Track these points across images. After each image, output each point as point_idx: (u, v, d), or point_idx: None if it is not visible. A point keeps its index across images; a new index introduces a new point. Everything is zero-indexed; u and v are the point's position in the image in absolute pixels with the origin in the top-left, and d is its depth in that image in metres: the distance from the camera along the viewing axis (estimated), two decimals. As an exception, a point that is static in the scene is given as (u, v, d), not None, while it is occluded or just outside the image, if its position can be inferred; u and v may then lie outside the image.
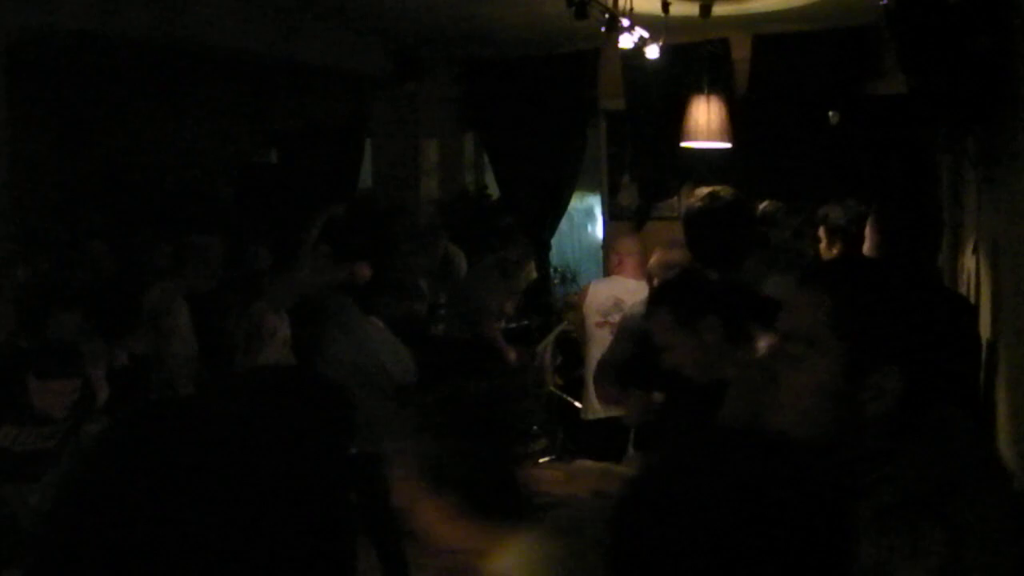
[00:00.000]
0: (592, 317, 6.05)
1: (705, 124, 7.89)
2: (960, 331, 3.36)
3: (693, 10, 6.98)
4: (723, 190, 3.94)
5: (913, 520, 1.46)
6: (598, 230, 10.82)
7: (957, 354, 3.25)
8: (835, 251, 5.11)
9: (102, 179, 9.34)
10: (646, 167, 8.90)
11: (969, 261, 5.10)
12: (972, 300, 4.87)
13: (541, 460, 4.53)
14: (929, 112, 4.34)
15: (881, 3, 3.89)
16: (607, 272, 6.97)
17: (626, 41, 6.01)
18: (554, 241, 9.58)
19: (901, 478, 1.51)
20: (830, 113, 8.12)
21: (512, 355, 7.45)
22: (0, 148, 5.45)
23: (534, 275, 8.38)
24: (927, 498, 1.48)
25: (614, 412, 4.75)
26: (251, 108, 10.12)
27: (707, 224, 3.84)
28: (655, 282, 5.46)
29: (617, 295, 6.06)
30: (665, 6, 5.87)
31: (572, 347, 7.30)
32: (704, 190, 4.00)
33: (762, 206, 6.67)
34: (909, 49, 3.86)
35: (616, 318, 6.03)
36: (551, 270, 9.85)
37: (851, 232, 4.82)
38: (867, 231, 4.50)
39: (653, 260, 5.48)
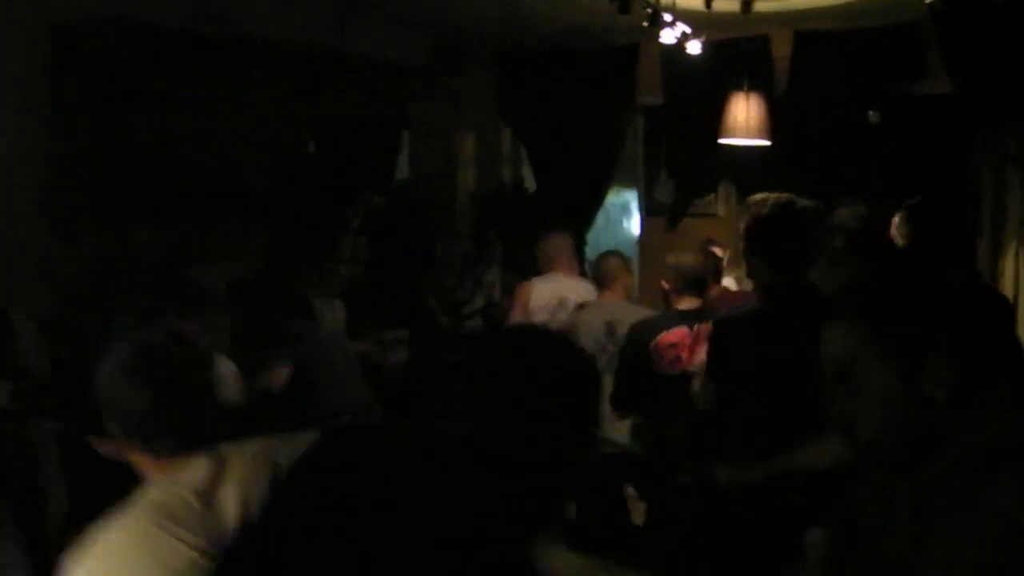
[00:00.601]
0: (539, 315, 6.05)
1: (744, 121, 7.86)
2: (1003, 329, 3.35)
3: (734, 6, 6.93)
4: (787, 196, 3.96)
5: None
6: (634, 225, 10.81)
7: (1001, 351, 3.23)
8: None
9: (141, 166, 9.41)
10: (683, 163, 8.89)
11: (1010, 263, 5.07)
12: (1013, 302, 4.83)
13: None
14: (972, 113, 4.33)
15: (926, 2, 3.86)
16: (541, 270, 6.85)
17: (668, 36, 5.99)
18: (589, 236, 9.57)
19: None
20: (870, 112, 8.08)
21: None
22: (42, 134, 5.50)
23: None
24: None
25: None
26: (289, 98, 10.16)
27: (785, 229, 3.84)
28: (668, 286, 5.41)
29: (560, 293, 6.07)
30: (708, 1, 5.84)
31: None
32: (763, 196, 4.00)
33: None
34: (954, 49, 3.84)
35: (561, 316, 6.01)
36: (586, 265, 9.84)
37: (860, 235, 4.74)
38: (895, 231, 4.46)
39: (670, 263, 5.43)
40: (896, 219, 4.45)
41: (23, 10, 5.29)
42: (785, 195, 3.95)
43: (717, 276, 6.08)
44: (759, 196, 4.04)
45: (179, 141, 9.76)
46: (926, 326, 1.64)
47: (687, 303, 5.21)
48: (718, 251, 7.94)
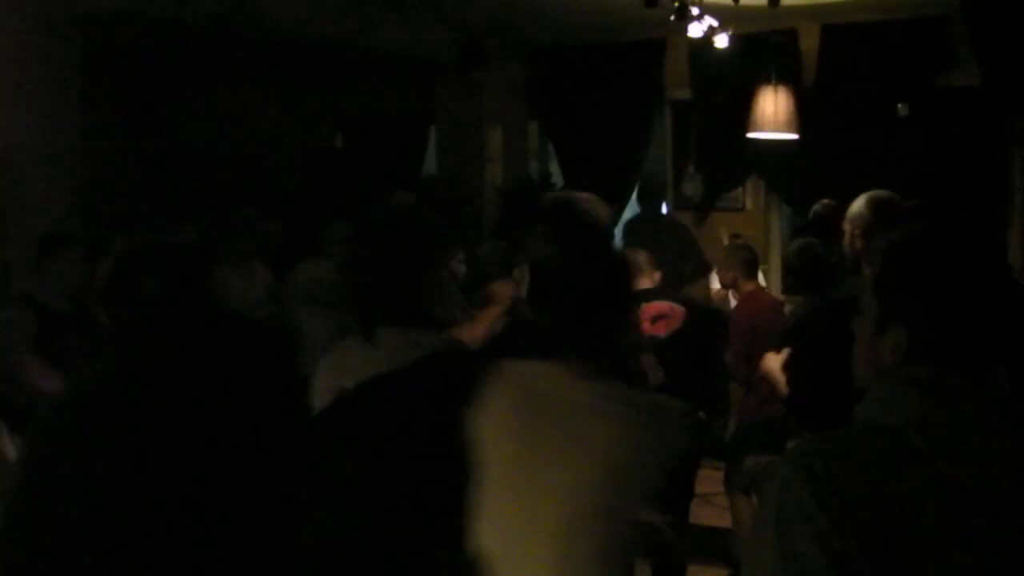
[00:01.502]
0: None
1: (772, 115, 7.84)
2: None
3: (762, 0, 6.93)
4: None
5: None
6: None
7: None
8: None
9: (170, 161, 9.48)
10: (711, 157, 8.86)
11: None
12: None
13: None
14: (1004, 105, 4.29)
15: (957, -6, 3.85)
16: None
17: (695, 30, 5.97)
18: (617, 230, 9.55)
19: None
20: (899, 105, 8.03)
21: None
22: (72, 128, 5.54)
23: None
24: None
25: None
26: (317, 92, 10.20)
27: (891, 218, 3.80)
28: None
29: None
30: (735, -6, 5.84)
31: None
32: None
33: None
34: (985, 40, 3.81)
35: None
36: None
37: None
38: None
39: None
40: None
41: (54, 7, 5.34)
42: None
43: (750, 270, 5.96)
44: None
45: (206, 135, 9.82)
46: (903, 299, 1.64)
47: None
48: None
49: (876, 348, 1.62)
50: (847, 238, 4.02)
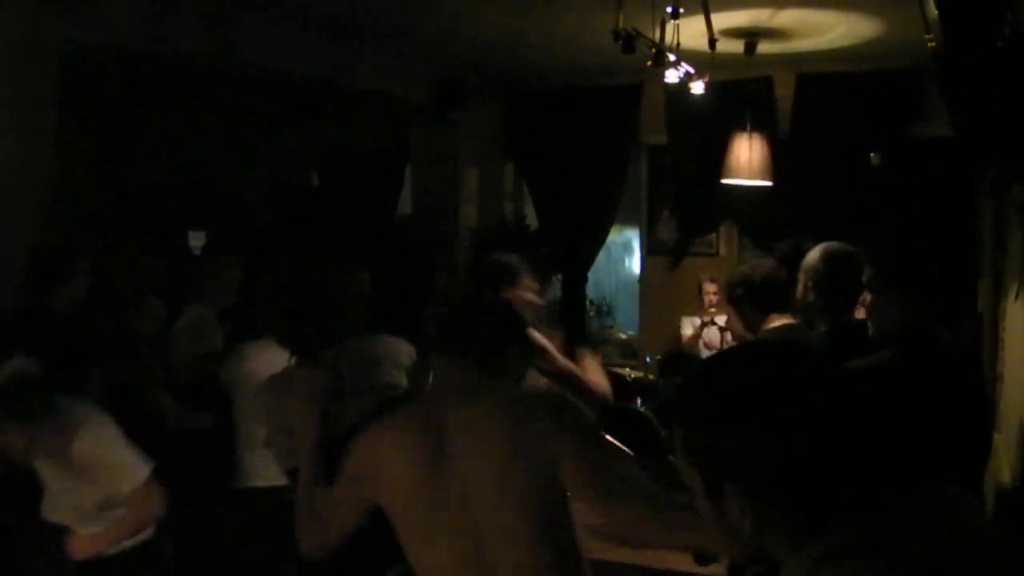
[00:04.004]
0: None
1: (747, 161, 7.88)
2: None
3: (738, 47, 6.99)
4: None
5: None
6: (635, 263, 10.82)
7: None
8: None
9: (142, 194, 9.44)
10: (686, 202, 8.90)
11: (1012, 307, 5.06)
12: (1016, 345, 4.82)
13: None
14: (974, 156, 4.31)
15: (929, 44, 3.88)
16: None
17: (672, 76, 6.00)
18: (591, 273, 9.57)
19: None
20: (872, 155, 8.11)
21: None
22: (48, 158, 5.51)
23: None
24: None
25: None
26: (293, 129, 10.21)
27: (845, 272, 3.75)
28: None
29: None
30: (712, 43, 5.87)
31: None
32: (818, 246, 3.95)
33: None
34: (956, 91, 3.84)
35: None
36: (587, 302, 9.84)
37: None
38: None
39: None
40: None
41: (32, 35, 5.32)
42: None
43: None
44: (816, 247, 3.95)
45: (180, 170, 9.79)
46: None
47: None
48: (712, 288, 7.97)
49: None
50: (800, 288, 3.97)
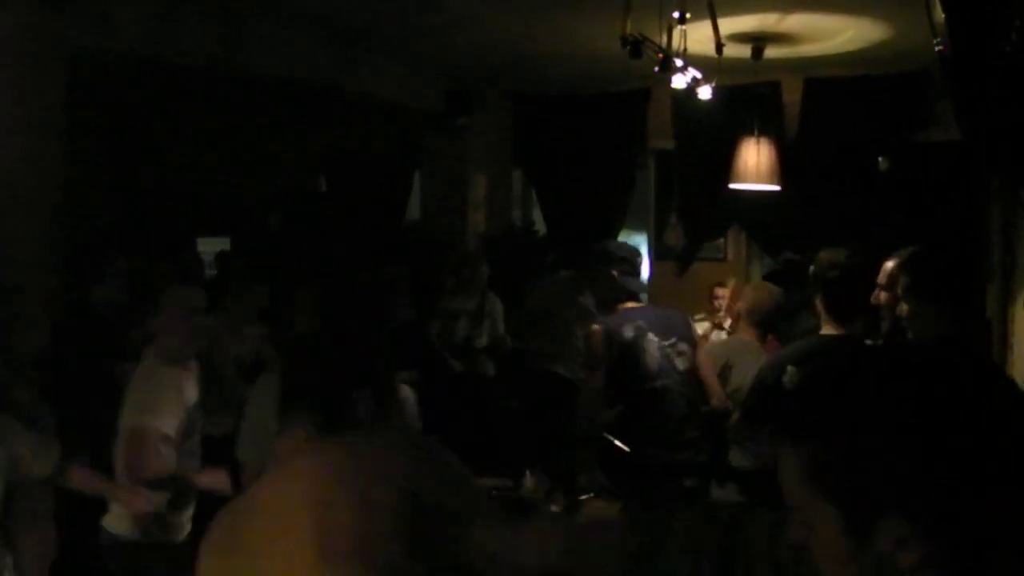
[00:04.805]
0: None
1: (754, 166, 7.88)
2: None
3: (745, 52, 7.00)
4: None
5: None
6: (643, 269, 10.80)
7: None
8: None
9: (151, 199, 9.47)
10: (694, 207, 8.90)
11: (1020, 311, 5.05)
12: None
13: (582, 497, 4.51)
14: (982, 160, 4.31)
15: (936, 49, 3.88)
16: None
17: (679, 81, 6.00)
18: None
19: None
20: (880, 159, 8.11)
21: None
22: (56, 162, 5.53)
23: None
24: None
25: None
26: (303, 135, 10.23)
27: (854, 282, 3.71)
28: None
29: None
30: (719, 47, 5.87)
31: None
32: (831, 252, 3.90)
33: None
34: (964, 95, 3.83)
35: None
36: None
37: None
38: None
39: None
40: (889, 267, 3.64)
41: (41, 41, 5.34)
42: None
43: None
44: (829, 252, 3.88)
45: (190, 175, 9.82)
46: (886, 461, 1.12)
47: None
48: (723, 293, 7.94)
49: None
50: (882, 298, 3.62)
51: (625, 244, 6.35)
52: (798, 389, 1.28)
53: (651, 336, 5.48)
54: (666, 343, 5.48)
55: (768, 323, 5.56)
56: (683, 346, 5.49)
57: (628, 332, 5.50)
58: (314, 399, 2.13)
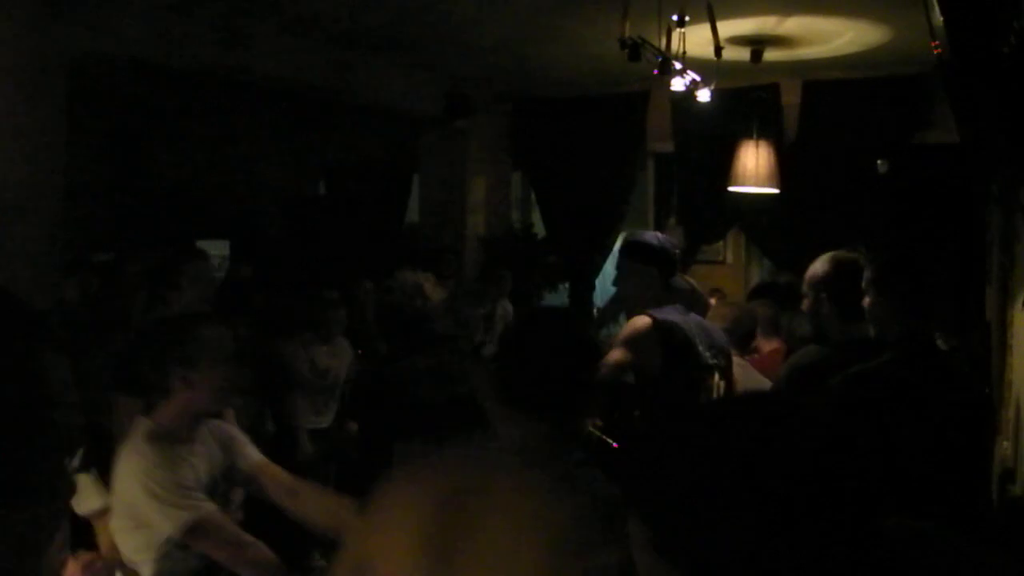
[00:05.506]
0: None
1: (753, 169, 7.89)
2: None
3: (744, 55, 7.01)
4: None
5: None
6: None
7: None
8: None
9: (152, 204, 9.48)
10: (693, 210, 8.91)
11: (1019, 315, 5.05)
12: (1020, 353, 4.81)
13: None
14: (981, 162, 4.31)
15: (935, 51, 3.89)
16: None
17: (678, 84, 6.01)
18: (597, 281, 9.58)
19: None
20: (879, 161, 8.12)
21: None
22: (58, 168, 5.55)
23: None
24: None
25: None
26: (302, 140, 10.24)
27: (854, 281, 3.71)
28: None
29: None
30: (718, 50, 5.88)
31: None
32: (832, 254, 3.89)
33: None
34: (963, 98, 3.84)
35: None
36: (594, 310, 9.84)
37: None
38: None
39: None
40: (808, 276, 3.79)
41: (40, 49, 5.36)
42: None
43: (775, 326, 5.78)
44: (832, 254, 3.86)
45: (190, 179, 9.81)
46: None
47: None
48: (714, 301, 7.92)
49: None
50: (809, 301, 3.82)
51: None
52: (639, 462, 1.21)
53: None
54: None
55: (744, 344, 5.43)
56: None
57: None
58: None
